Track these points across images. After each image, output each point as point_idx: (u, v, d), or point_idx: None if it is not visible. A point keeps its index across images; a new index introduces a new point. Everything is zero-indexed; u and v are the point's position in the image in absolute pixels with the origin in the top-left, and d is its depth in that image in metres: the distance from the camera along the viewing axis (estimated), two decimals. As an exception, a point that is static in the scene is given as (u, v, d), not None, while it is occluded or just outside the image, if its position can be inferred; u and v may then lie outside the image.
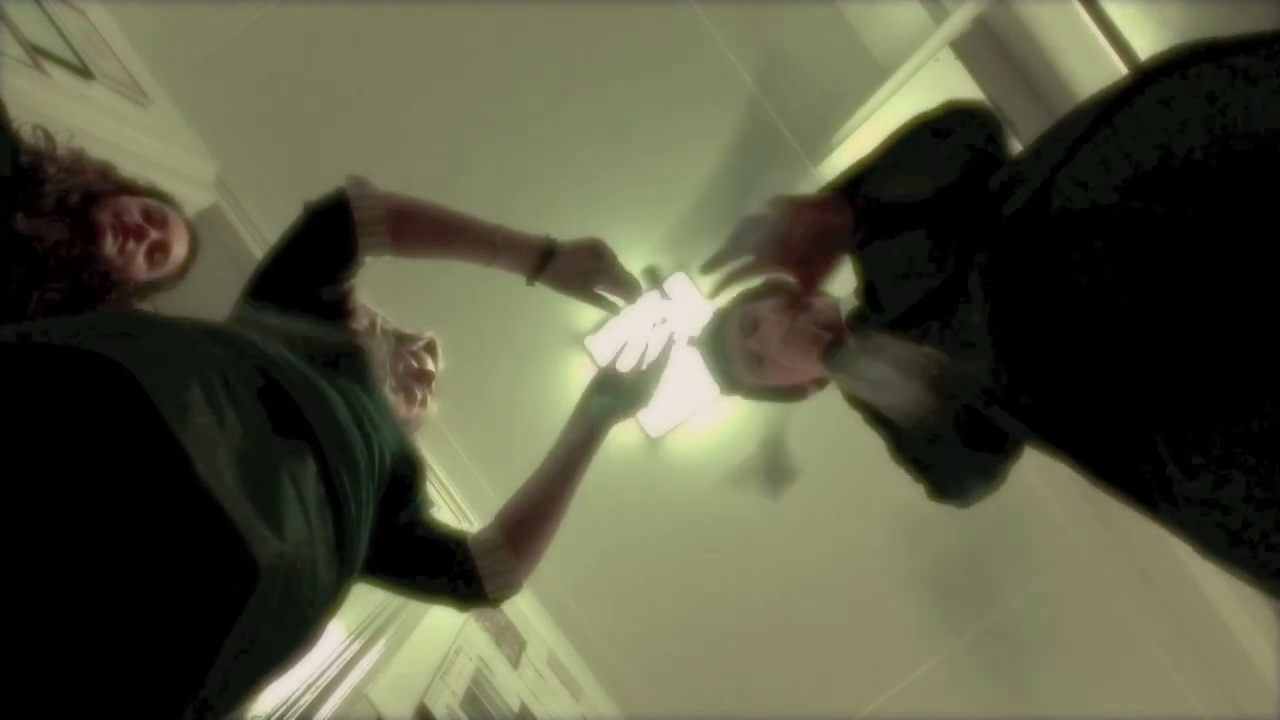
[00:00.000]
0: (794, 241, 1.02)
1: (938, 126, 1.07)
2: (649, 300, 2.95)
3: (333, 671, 1.59)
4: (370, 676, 1.70)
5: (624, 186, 3.07)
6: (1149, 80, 0.82)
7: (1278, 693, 2.87)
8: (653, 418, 3.17)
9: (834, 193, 1.05)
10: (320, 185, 1.26)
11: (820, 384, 1.40)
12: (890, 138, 1.09)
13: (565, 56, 3.10)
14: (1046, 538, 3.23)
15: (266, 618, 0.78)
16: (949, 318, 0.93)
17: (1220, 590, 2.99)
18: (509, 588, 1.30)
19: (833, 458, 2.98)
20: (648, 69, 3.09)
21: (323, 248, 1.24)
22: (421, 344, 1.60)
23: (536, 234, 1.32)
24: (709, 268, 1.10)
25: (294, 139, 3.06)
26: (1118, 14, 1.96)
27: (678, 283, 3.09)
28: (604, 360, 1.41)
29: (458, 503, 3.02)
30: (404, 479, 1.21)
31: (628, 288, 1.35)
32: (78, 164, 1.54)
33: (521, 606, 2.93)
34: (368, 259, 1.27)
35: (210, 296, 1.30)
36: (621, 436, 3.17)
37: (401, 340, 1.57)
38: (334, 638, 1.68)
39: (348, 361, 1.22)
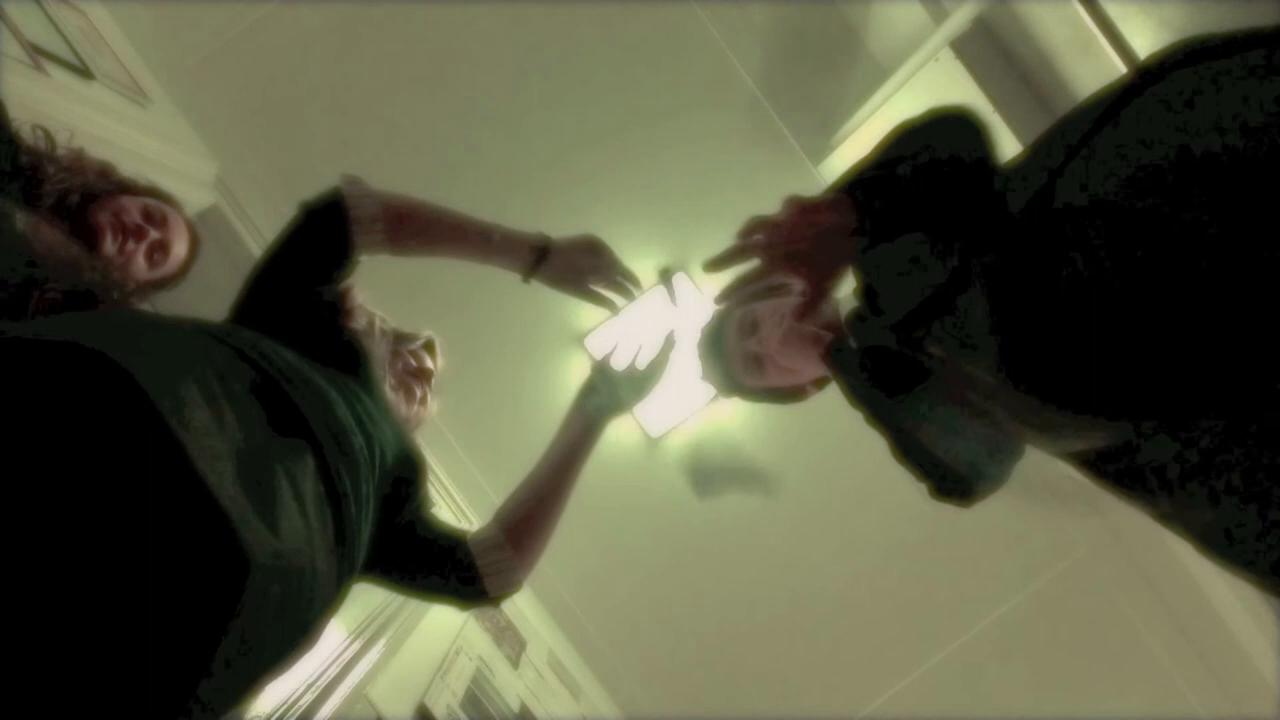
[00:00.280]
0: (799, 241, 1.02)
1: (922, 131, 1.07)
2: (654, 298, 2.95)
3: (333, 671, 1.59)
4: (370, 676, 1.70)
5: (624, 186, 3.07)
6: (1150, 78, 0.82)
7: (1278, 693, 2.87)
8: (653, 418, 3.17)
9: (838, 193, 1.05)
10: (320, 185, 1.26)
11: (820, 384, 1.40)
12: (880, 144, 1.09)
13: (565, 56, 3.10)
14: (1046, 538, 3.23)
15: (265, 616, 0.78)
16: (950, 318, 0.93)
17: (1220, 590, 2.99)
18: (510, 586, 1.30)
19: (833, 458, 2.98)
20: (648, 69, 3.09)
21: (319, 246, 1.24)
22: (420, 343, 1.61)
23: (531, 231, 1.33)
24: (713, 268, 1.10)
25: (294, 139, 3.06)
26: (1118, 14, 1.96)
27: (678, 283, 3.09)
28: (599, 357, 1.41)
29: (457, 502, 3.02)
30: (405, 477, 1.21)
31: (625, 285, 1.35)
32: (77, 164, 1.54)
33: (521, 606, 2.93)
34: (364, 258, 1.27)
35: (210, 296, 1.30)
36: (621, 436, 3.18)
37: (400, 339, 1.57)
38: (334, 638, 1.68)
39: (347, 361, 1.22)
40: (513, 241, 1.31)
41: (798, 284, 1.07)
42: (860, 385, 1.19)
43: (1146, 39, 1.91)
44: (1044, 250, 0.81)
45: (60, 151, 1.54)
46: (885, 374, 1.12)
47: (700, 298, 3.04)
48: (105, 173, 1.59)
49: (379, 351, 1.44)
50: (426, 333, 1.63)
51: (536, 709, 2.42)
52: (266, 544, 0.77)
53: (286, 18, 3.02)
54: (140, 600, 0.70)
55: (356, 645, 1.73)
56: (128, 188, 1.60)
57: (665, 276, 1.34)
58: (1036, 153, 0.92)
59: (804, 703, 3.19)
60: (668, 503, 3.22)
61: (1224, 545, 0.76)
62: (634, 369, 1.39)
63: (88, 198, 1.51)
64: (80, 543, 0.69)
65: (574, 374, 3.17)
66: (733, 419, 3.20)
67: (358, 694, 1.63)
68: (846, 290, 1.19)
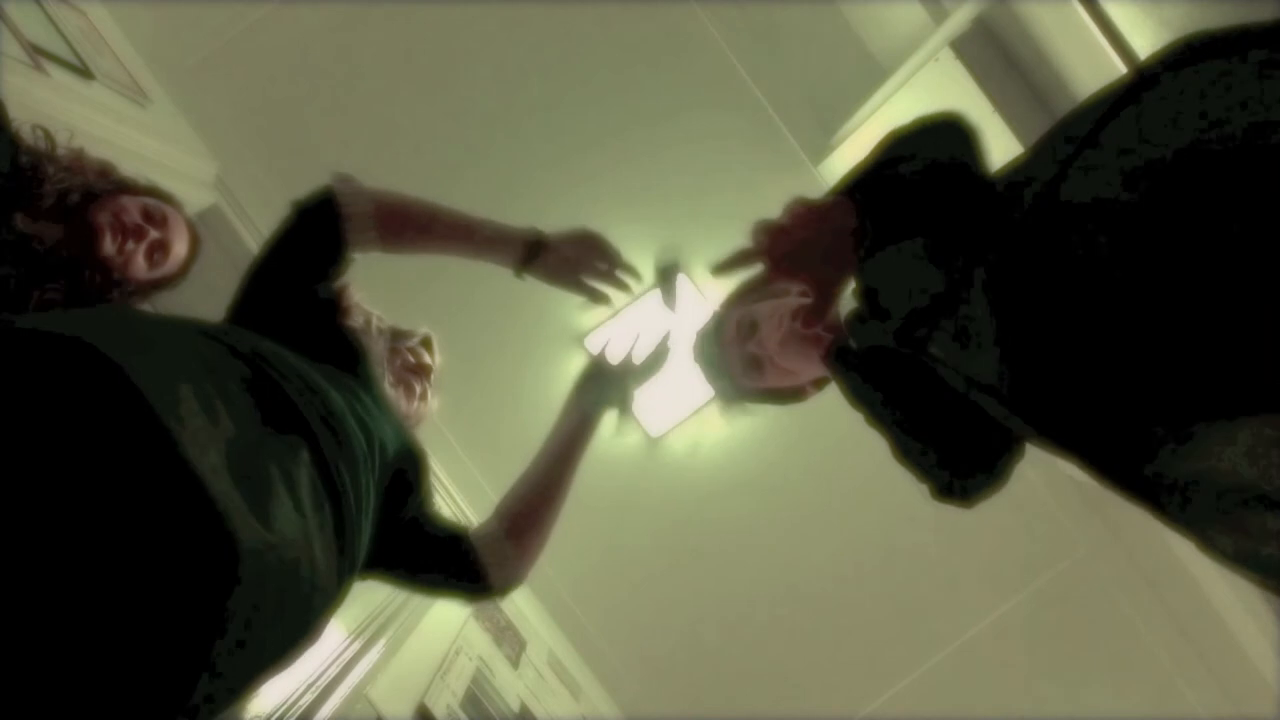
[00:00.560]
0: (803, 246, 1.02)
1: (914, 138, 1.08)
2: (653, 295, 2.95)
3: (333, 671, 1.59)
4: (370, 676, 1.70)
5: (624, 187, 3.07)
6: (1151, 78, 0.82)
7: (1278, 693, 2.87)
8: (653, 417, 3.17)
9: (839, 196, 1.05)
10: (320, 185, 1.27)
11: (820, 385, 1.40)
12: (874, 151, 1.09)
13: (565, 57, 3.10)
14: (1046, 538, 3.23)
15: (263, 610, 0.78)
16: (951, 319, 0.93)
17: (1220, 590, 2.99)
18: (513, 579, 1.31)
19: (833, 459, 2.99)
20: (648, 69, 3.09)
21: (312, 245, 1.25)
22: (417, 339, 1.61)
23: (523, 226, 1.33)
24: (720, 273, 1.10)
25: (294, 139, 3.06)
26: (1118, 14, 1.96)
27: (677, 278, 3.08)
28: (596, 350, 1.42)
29: (457, 502, 3.02)
30: (406, 472, 1.21)
31: (621, 278, 1.35)
32: (77, 164, 1.54)
33: (521, 606, 2.93)
34: (357, 255, 1.28)
35: (210, 296, 1.30)
36: (621, 436, 3.18)
37: (397, 336, 1.57)
38: (334, 638, 1.68)
39: (344, 358, 1.22)
40: (504, 236, 1.31)
41: (798, 287, 1.07)
42: (860, 386, 1.19)
43: (1146, 39, 1.91)
44: (1047, 250, 0.81)
45: (60, 151, 1.54)
46: (886, 375, 1.12)
47: (700, 297, 3.04)
48: (105, 172, 1.59)
49: (377, 349, 1.44)
50: (423, 329, 1.63)
51: (536, 709, 2.42)
52: (256, 534, 0.76)
53: (286, 18, 3.02)
54: (130, 592, 0.70)
55: (356, 645, 1.73)
56: (127, 187, 1.60)
57: (665, 271, 1.33)
58: (1038, 153, 0.92)
59: (804, 703, 3.19)
60: (668, 503, 3.22)
61: (1229, 545, 0.76)
62: (630, 363, 1.39)
63: (88, 197, 1.51)
64: (69, 532, 0.69)
65: (574, 374, 3.17)
66: (732, 420, 3.20)
67: (358, 694, 1.63)
68: (845, 291, 1.19)
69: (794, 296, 1.33)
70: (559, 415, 1.38)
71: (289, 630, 0.87)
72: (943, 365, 0.98)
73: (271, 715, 1.38)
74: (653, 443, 3.22)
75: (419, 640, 2.03)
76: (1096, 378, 0.79)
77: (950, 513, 1.23)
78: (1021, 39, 2.43)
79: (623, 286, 1.37)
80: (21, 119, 1.48)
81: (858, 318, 1.18)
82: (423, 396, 1.56)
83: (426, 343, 1.62)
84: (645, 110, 3.08)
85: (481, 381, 3.06)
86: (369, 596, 1.90)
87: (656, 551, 3.22)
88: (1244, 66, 0.76)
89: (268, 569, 0.77)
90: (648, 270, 1.41)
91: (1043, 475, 3.08)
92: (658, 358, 1.40)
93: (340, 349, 1.23)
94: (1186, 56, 0.80)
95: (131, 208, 1.55)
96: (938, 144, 1.05)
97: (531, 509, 1.32)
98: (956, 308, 0.92)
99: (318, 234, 1.24)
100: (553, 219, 1.40)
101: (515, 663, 2.54)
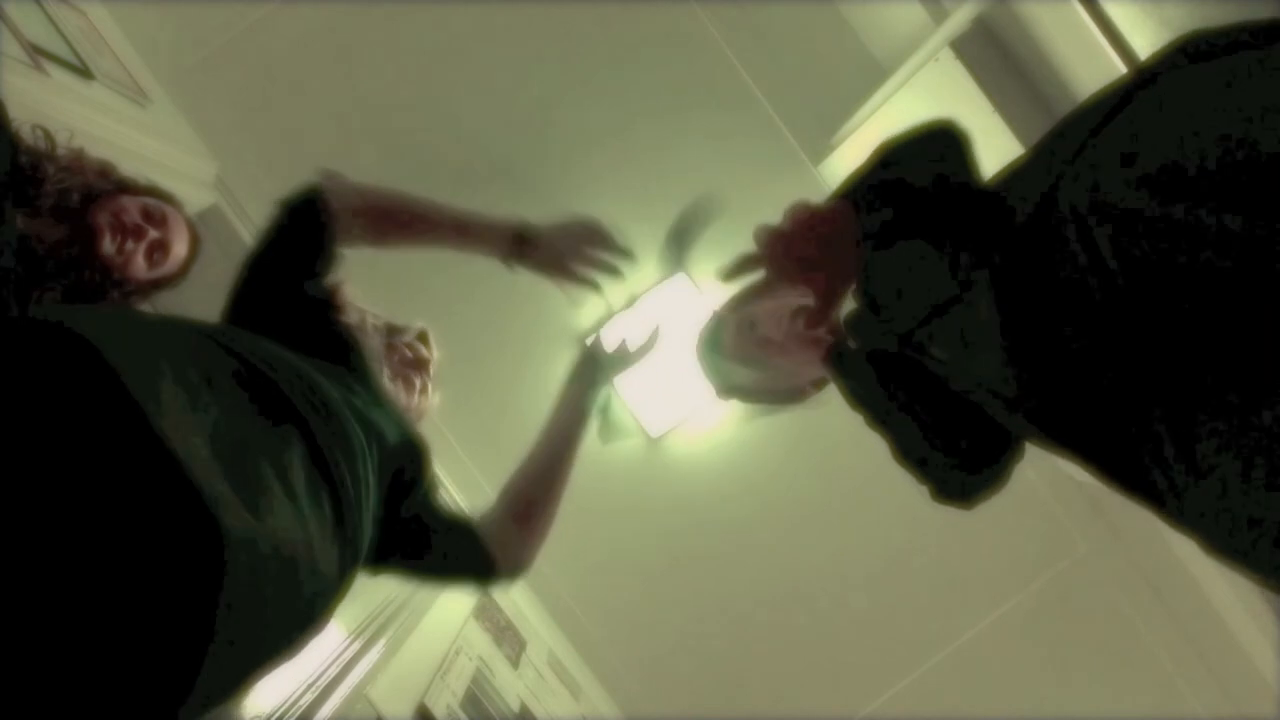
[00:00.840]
0: (806, 251, 1.03)
1: (908, 145, 1.08)
2: (649, 291, 2.95)
3: (333, 671, 1.59)
4: (370, 676, 1.70)
5: (623, 187, 3.07)
6: (1152, 78, 0.82)
7: (1278, 693, 2.87)
8: (653, 417, 3.17)
9: (840, 201, 1.06)
10: (305, 182, 1.27)
11: (819, 386, 1.40)
12: (869, 159, 1.10)
13: (565, 57, 3.09)
14: (1046, 538, 3.23)
15: (260, 603, 0.76)
16: (954, 321, 0.93)
17: (1220, 590, 2.99)
18: (521, 563, 1.32)
19: (833, 459, 2.98)
20: (647, 69, 3.09)
21: (299, 241, 1.25)
22: (413, 334, 1.60)
23: (512, 218, 1.33)
24: (725, 279, 1.11)
25: (294, 139, 3.06)
26: (1118, 14, 1.96)
27: (677, 282, 3.08)
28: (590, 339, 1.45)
29: (457, 502, 3.02)
30: (408, 465, 1.21)
31: (614, 265, 1.35)
32: (77, 164, 1.54)
33: (521, 606, 2.93)
34: (345, 251, 1.28)
35: (210, 296, 1.30)
36: (633, 439, 3.18)
37: (392, 332, 1.57)
38: (334, 638, 1.68)
39: (339, 354, 1.22)
40: (492, 228, 1.31)
41: (800, 291, 1.07)
42: (861, 387, 1.19)
43: (1146, 39, 1.91)
44: (1050, 252, 0.81)
45: (60, 151, 1.54)
46: (886, 375, 1.12)
47: (699, 297, 3.04)
48: (105, 172, 1.59)
49: (373, 345, 1.44)
50: (418, 324, 1.63)
51: (536, 709, 2.42)
52: (243, 520, 0.74)
53: (286, 18, 3.02)
54: (108, 582, 0.68)
55: (356, 645, 1.73)
56: (127, 187, 1.60)
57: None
58: (1039, 154, 0.92)
59: (804, 703, 3.19)
60: (668, 503, 3.22)
61: (1231, 544, 0.76)
62: (624, 348, 1.41)
63: (88, 198, 1.51)
64: (43, 520, 0.67)
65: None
66: (732, 420, 3.20)
67: (358, 694, 1.63)
68: (847, 295, 1.19)
69: (794, 298, 1.33)
70: (556, 400, 1.40)
71: (289, 622, 0.86)
72: (944, 366, 0.98)
73: (271, 715, 1.38)
74: (652, 443, 3.22)
75: (419, 640, 2.03)
76: (1099, 377, 0.79)
77: (950, 513, 1.24)
78: (1021, 39, 2.43)
79: (616, 273, 1.36)
80: (21, 119, 1.48)
81: (858, 319, 1.18)
82: (423, 390, 1.56)
83: (423, 337, 1.61)
84: (645, 110, 3.08)
85: (481, 381, 3.06)
86: (369, 596, 1.89)
87: (656, 551, 3.22)
88: (1247, 66, 0.76)
89: (260, 559, 0.76)
90: (647, 273, 1.41)
91: (1043, 475, 3.07)
92: (649, 343, 1.42)
93: (334, 345, 1.23)
94: (1187, 57, 0.80)
95: (131, 208, 1.55)
96: (932, 151, 1.05)
97: (534, 492, 1.33)
98: (959, 309, 0.92)
99: (304, 231, 1.25)
100: (551, 219, 1.40)
101: (515, 663, 2.54)
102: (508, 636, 2.64)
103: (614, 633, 3.23)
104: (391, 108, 3.09)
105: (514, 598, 2.89)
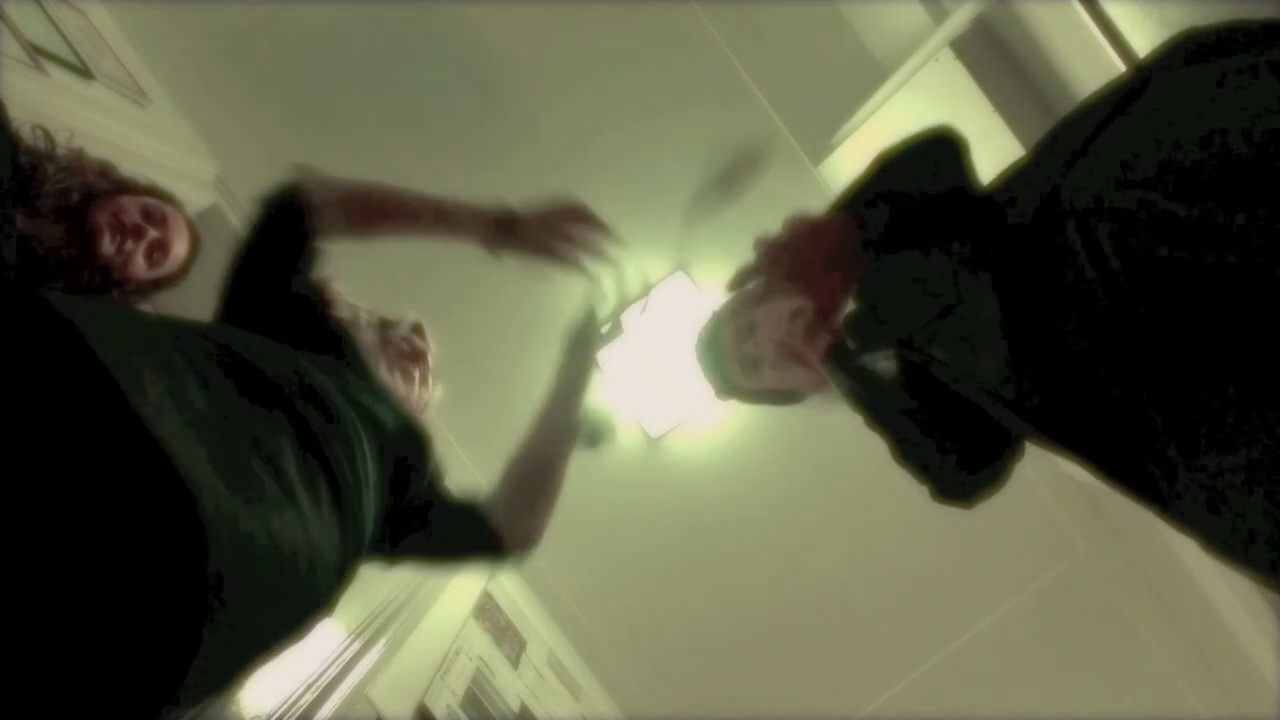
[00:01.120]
0: (802, 259, 1.03)
1: (905, 155, 1.09)
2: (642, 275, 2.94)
3: (333, 671, 1.59)
4: (370, 676, 1.70)
5: (623, 187, 3.07)
6: (1149, 78, 0.82)
7: (1278, 693, 2.87)
8: (653, 417, 3.17)
9: (839, 212, 1.06)
10: (282, 178, 1.28)
11: (819, 387, 1.40)
12: (867, 170, 1.10)
13: (564, 57, 3.09)
14: (1046, 538, 3.23)
15: (255, 586, 0.75)
16: (955, 323, 0.93)
17: (1220, 590, 2.99)
18: (528, 536, 1.32)
19: (833, 460, 2.98)
20: (647, 69, 3.09)
21: (280, 238, 1.25)
22: (407, 326, 1.60)
23: (493, 203, 1.32)
24: (729, 289, 1.12)
25: (294, 139, 3.06)
26: (1118, 14, 1.96)
27: (677, 282, 3.09)
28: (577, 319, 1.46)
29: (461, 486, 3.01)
30: (410, 451, 1.21)
31: (598, 243, 1.33)
32: (77, 164, 1.54)
33: (521, 606, 2.93)
34: (329, 245, 1.28)
35: (210, 296, 1.30)
36: (621, 437, 3.17)
37: (386, 326, 1.57)
38: (334, 638, 1.68)
39: (332, 347, 1.22)
40: (473, 214, 1.30)
41: (800, 298, 1.08)
42: (860, 388, 1.19)
43: (1146, 39, 1.91)
44: (1052, 253, 0.81)
45: (60, 151, 1.54)
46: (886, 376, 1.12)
47: (699, 297, 3.04)
48: (105, 172, 1.59)
49: (367, 339, 1.44)
50: (412, 316, 1.62)
51: (536, 709, 2.42)
52: (225, 501, 0.73)
53: (286, 18, 3.02)
54: (96, 569, 0.66)
55: (356, 645, 1.73)
56: (127, 187, 1.59)
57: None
58: (1039, 155, 0.92)
59: (804, 703, 3.19)
60: (668, 503, 3.22)
61: (1231, 544, 0.76)
62: (616, 316, 1.44)
63: (87, 198, 1.51)
64: (29, 504, 0.66)
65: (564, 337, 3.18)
66: (733, 421, 3.20)
67: (358, 694, 1.63)
68: (846, 303, 1.20)
69: (794, 299, 1.33)
70: (553, 374, 1.41)
71: (291, 604, 0.85)
72: (945, 368, 0.98)
73: (271, 715, 1.38)
74: (652, 443, 3.22)
75: (419, 640, 2.03)
76: (1101, 377, 0.79)
77: (950, 513, 1.24)
78: (1021, 39, 2.43)
79: (603, 253, 1.35)
80: (21, 119, 1.48)
81: (858, 319, 1.18)
82: (423, 381, 1.56)
83: (418, 329, 1.61)
84: (645, 110, 3.08)
85: (482, 381, 3.06)
86: (369, 596, 1.90)
87: (656, 551, 3.22)
88: (1248, 66, 0.76)
89: (245, 539, 0.74)
90: (647, 274, 1.42)
91: (1043, 475, 3.07)
92: (638, 311, 1.43)
93: (325, 338, 1.23)
94: (1187, 56, 0.80)
95: (131, 207, 1.55)
96: (929, 159, 1.06)
97: (537, 465, 1.34)
98: (960, 311, 0.92)
99: (284, 226, 1.25)
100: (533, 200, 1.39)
101: (515, 663, 2.54)
102: (508, 636, 2.63)
103: (614, 633, 3.23)
104: (391, 107, 3.09)
105: (514, 598, 2.89)
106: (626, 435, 3.17)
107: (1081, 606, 3.25)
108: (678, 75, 3.09)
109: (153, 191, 1.64)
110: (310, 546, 0.85)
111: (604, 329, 1.45)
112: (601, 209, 1.35)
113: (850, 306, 1.21)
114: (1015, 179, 0.95)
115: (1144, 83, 0.83)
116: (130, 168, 1.67)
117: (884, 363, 1.12)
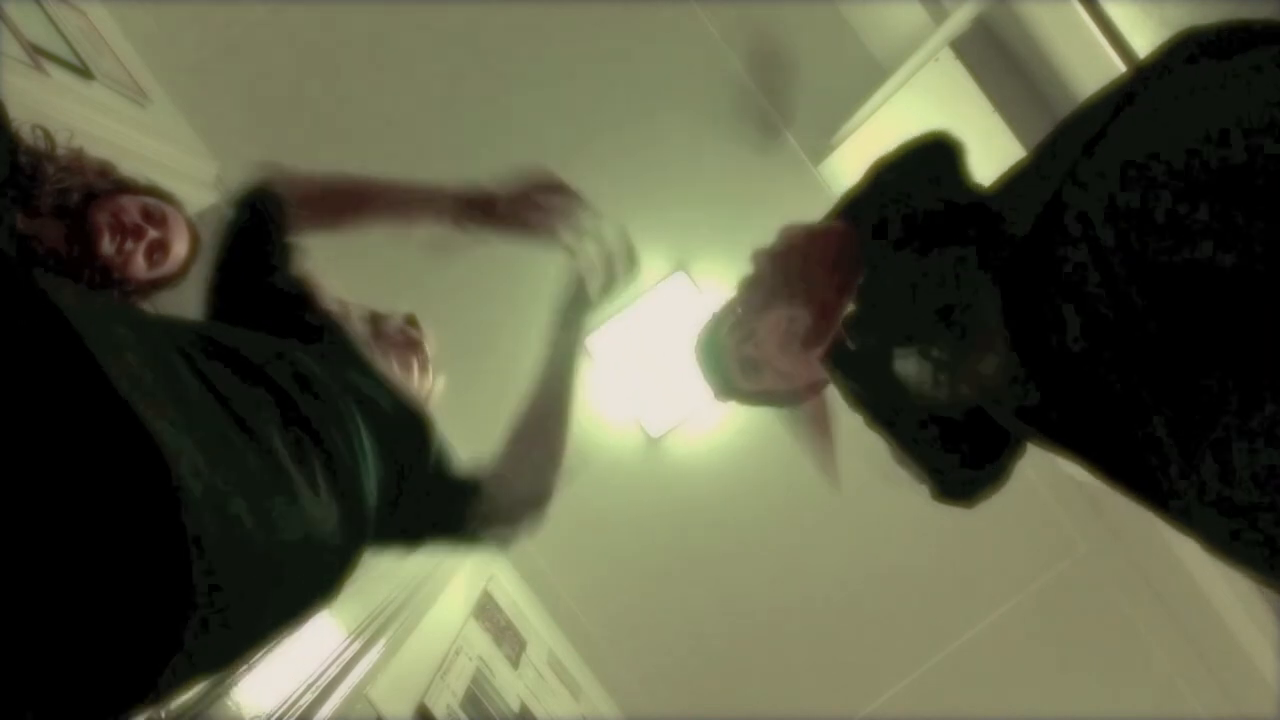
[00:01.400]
0: (799, 269, 1.04)
1: (901, 162, 1.09)
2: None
3: (333, 671, 1.59)
4: (370, 676, 1.70)
5: (623, 187, 3.07)
6: (1148, 79, 0.82)
7: (1278, 693, 2.87)
8: (653, 417, 3.17)
9: (837, 220, 1.06)
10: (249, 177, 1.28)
11: (818, 388, 1.40)
12: (864, 177, 1.10)
13: (564, 57, 3.10)
14: (1046, 538, 3.23)
15: (248, 568, 0.75)
16: (955, 324, 0.93)
17: (1220, 590, 2.99)
18: (538, 500, 1.31)
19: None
20: (647, 69, 3.09)
21: (252, 236, 1.26)
22: (400, 318, 1.60)
23: (460, 182, 1.30)
24: (736, 300, 1.12)
25: (294, 139, 3.06)
26: (1118, 14, 1.96)
27: (677, 282, 3.09)
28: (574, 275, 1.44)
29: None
30: (410, 432, 1.21)
31: (573, 211, 1.31)
32: (77, 164, 1.54)
33: (521, 606, 2.93)
34: (303, 239, 1.28)
35: (210, 296, 1.30)
36: (622, 438, 3.18)
37: (378, 320, 1.57)
38: (334, 638, 1.68)
39: (320, 336, 1.22)
40: (444, 194, 1.29)
41: (800, 302, 1.08)
42: (860, 388, 1.19)
43: (1146, 39, 1.91)
44: (1053, 254, 0.81)
45: (60, 151, 1.54)
46: (887, 376, 1.12)
47: (699, 297, 3.04)
48: (105, 172, 1.59)
49: (360, 332, 1.43)
50: (403, 308, 1.62)
51: (536, 709, 2.42)
52: (208, 481, 0.72)
53: (287, 17, 3.02)
54: (76, 548, 0.65)
55: (356, 645, 1.73)
56: (127, 187, 1.60)
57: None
58: (1040, 157, 0.92)
59: (804, 703, 3.19)
60: (668, 503, 3.22)
61: (1232, 543, 0.76)
62: (607, 278, 1.39)
63: (87, 197, 1.51)
64: (9, 483, 0.64)
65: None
66: (733, 422, 3.20)
67: (358, 694, 1.63)
68: (845, 311, 1.20)
69: (794, 300, 1.34)
70: (545, 350, 1.38)
71: (294, 587, 0.85)
72: (945, 368, 0.98)
73: (271, 715, 1.38)
74: (652, 444, 3.22)
75: (419, 640, 2.03)
76: (1103, 378, 0.79)
77: (950, 513, 1.24)
78: (1021, 39, 2.43)
79: (579, 225, 1.34)
80: (21, 119, 1.48)
81: (858, 320, 1.18)
82: (423, 370, 1.55)
83: (411, 320, 1.61)
84: (645, 110, 3.08)
85: (481, 380, 3.05)
86: (369, 596, 1.90)
87: (656, 552, 3.22)
88: (1248, 67, 0.76)
89: (231, 519, 0.73)
90: (647, 274, 1.41)
91: (1043, 475, 3.08)
92: (628, 271, 1.41)
93: (315, 332, 1.23)
94: (1187, 56, 0.80)
95: (131, 207, 1.55)
96: (926, 165, 1.06)
97: (536, 422, 1.33)
98: (961, 312, 0.92)
99: (253, 225, 1.25)
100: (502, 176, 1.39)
101: (515, 663, 2.54)
102: (508, 636, 2.64)
103: (614, 633, 3.24)
104: (391, 107, 3.09)
105: (514, 598, 2.89)
106: (626, 436, 3.17)
107: (1081, 606, 3.25)
108: (677, 75, 3.09)
109: (153, 191, 1.64)
110: (306, 523, 0.85)
111: (596, 291, 1.41)
112: (601, 208, 1.34)
113: (850, 307, 1.21)
114: (1016, 182, 0.95)
115: (1144, 83, 0.83)
116: (130, 168, 1.67)
117: (884, 363, 1.12)
